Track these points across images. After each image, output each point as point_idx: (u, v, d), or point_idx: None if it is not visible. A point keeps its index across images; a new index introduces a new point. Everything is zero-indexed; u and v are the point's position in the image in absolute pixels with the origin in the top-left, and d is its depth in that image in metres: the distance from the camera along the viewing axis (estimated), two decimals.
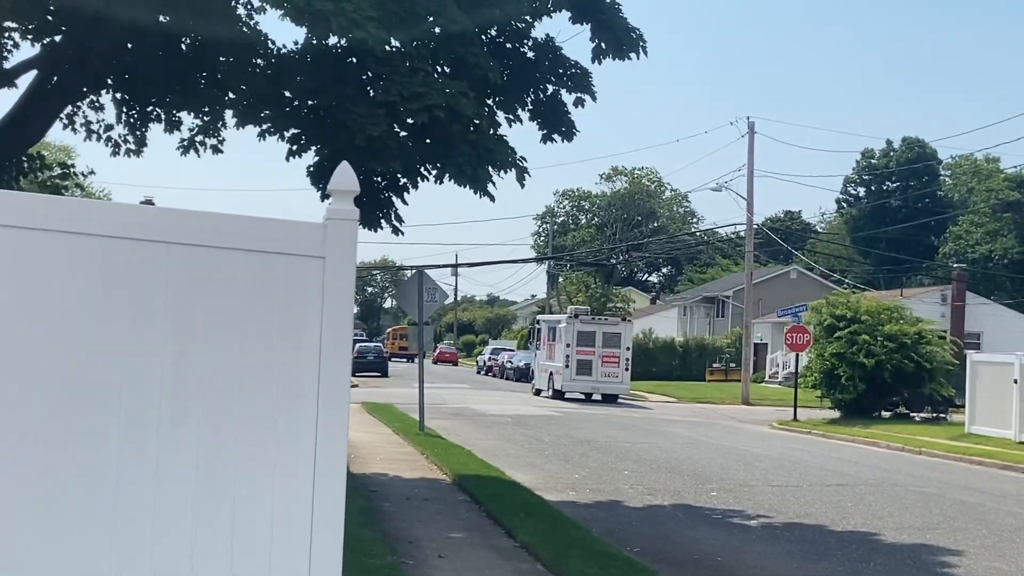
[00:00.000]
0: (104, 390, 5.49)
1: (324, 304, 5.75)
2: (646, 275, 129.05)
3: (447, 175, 14.49)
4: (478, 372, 78.96)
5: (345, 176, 5.92)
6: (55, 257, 5.45)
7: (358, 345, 67.33)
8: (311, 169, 15.53)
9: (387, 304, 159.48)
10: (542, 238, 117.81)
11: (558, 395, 46.73)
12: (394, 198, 15.62)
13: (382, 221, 15.71)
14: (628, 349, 47.16)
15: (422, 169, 14.91)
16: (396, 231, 15.90)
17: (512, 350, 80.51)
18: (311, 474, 5.68)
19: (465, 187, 14.20)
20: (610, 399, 46.58)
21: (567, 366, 46.05)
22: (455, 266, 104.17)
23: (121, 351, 5.52)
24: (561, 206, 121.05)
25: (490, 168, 14.13)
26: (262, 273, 5.75)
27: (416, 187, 15.46)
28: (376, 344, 78.09)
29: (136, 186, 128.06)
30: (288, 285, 5.75)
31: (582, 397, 46.72)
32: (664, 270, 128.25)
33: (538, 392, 49.80)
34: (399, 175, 15.06)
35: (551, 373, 47.88)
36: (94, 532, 5.42)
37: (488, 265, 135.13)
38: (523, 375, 65.34)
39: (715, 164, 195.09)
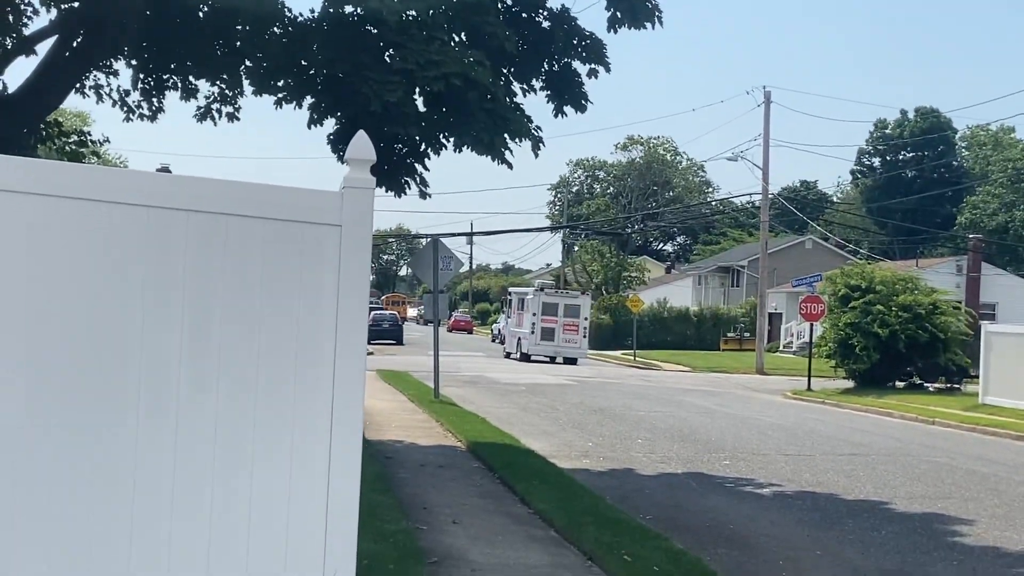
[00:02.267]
0: (123, 357, 5.54)
1: (341, 272, 5.80)
2: (661, 244, 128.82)
3: (465, 143, 14.49)
4: (493, 340, 78.99)
5: (362, 145, 5.96)
6: (73, 225, 5.50)
7: (373, 313, 67.36)
8: (331, 137, 15.54)
9: (403, 272, 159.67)
10: (557, 207, 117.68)
11: (525, 358, 52.75)
12: (417, 164, 15.62)
13: (408, 185, 15.72)
14: (586, 319, 53.98)
15: (441, 136, 14.90)
16: (423, 195, 15.94)
17: None
18: (328, 439, 5.74)
19: (483, 155, 14.21)
20: (571, 361, 52.22)
21: (533, 332, 52.82)
22: (470, 234, 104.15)
23: (140, 319, 5.57)
24: (576, 175, 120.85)
25: (506, 136, 14.14)
26: (280, 241, 5.80)
27: (438, 153, 15.43)
28: (392, 312, 78.16)
29: (152, 153, 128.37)
30: (305, 253, 5.80)
31: (547, 360, 52.46)
32: (679, 240, 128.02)
33: (508, 355, 55.47)
34: (420, 141, 15.05)
35: (519, 338, 54.52)
36: (114, 497, 5.49)
37: (503, 234, 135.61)
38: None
39: (731, 134, 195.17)
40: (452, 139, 14.78)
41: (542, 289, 55.58)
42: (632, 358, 57.43)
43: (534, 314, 52.94)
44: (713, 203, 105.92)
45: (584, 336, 53.73)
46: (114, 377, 5.52)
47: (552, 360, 52.26)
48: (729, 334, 69.81)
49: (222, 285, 5.71)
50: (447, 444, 18.24)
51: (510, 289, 65.95)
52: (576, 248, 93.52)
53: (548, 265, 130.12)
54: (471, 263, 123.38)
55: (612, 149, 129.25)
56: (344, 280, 5.81)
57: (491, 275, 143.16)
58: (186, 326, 5.63)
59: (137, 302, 5.59)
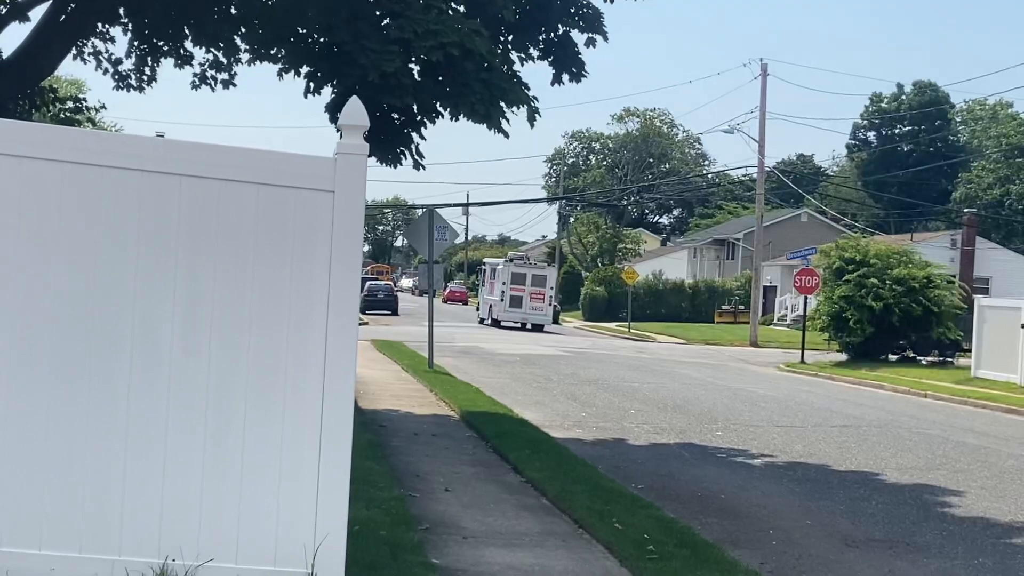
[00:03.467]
0: (115, 320, 5.55)
1: (333, 237, 5.83)
2: (657, 217, 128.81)
3: (461, 113, 14.44)
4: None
5: (355, 111, 5.96)
6: (66, 187, 5.49)
7: (368, 283, 67.30)
8: (329, 106, 15.49)
9: (398, 243, 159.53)
10: (553, 179, 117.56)
11: (495, 323, 57.51)
12: (413, 134, 15.56)
13: (403, 156, 15.67)
14: (552, 288, 58.43)
15: (437, 106, 14.85)
16: (417, 165, 15.84)
17: None
18: (319, 405, 5.76)
19: (479, 124, 14.18)
20: (537, 327, 56.35)
21: (502, 300, 56.92)
22: (466, 205, 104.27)
23: (133, 282, 5.58)
24: (572, 147, 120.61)
25: (503, 105, 14.09)
26: (273, 206, 5.83)
27: (433, 123, 15.40)
28: (386, 282, 78.09)
29: (147, 121, 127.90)
30: (298, 218, 5.83)
31: (517, 326, 56.58)
32: (675, 212, 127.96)
33: (481, 321, 60.28)
34: (416, 111, 14.98)
35: (491, 305, 58.90)
36: (107, 456, 5.51)
37: (499, 205, 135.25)
38: None
39: (728, 106, 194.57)
40: (448, 108, 14.72)
41: (512, 260, 59.48)
42: (627, 330, 57.48)
43: (504, 283, 56.94)
44: (709, 176, 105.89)
45: (550, 304, 57.90)
46: (105, 341, 5.52)
47: (523, 327, 56.37)
48: (724, 307, 69.88)
49: (215, 249, 5.73)
50: (441, 413, 18.28)
51: (484, 260, 69.68)
52: (572, 220, 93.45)
53: (544, 237, 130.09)
54: (467, 234, 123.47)
55: (608, 120, 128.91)
56: (337, 246, 5.84)
57: (487, 246, 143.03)
58: (179, 291, 5.64)
59: (129, 266, 5.58)
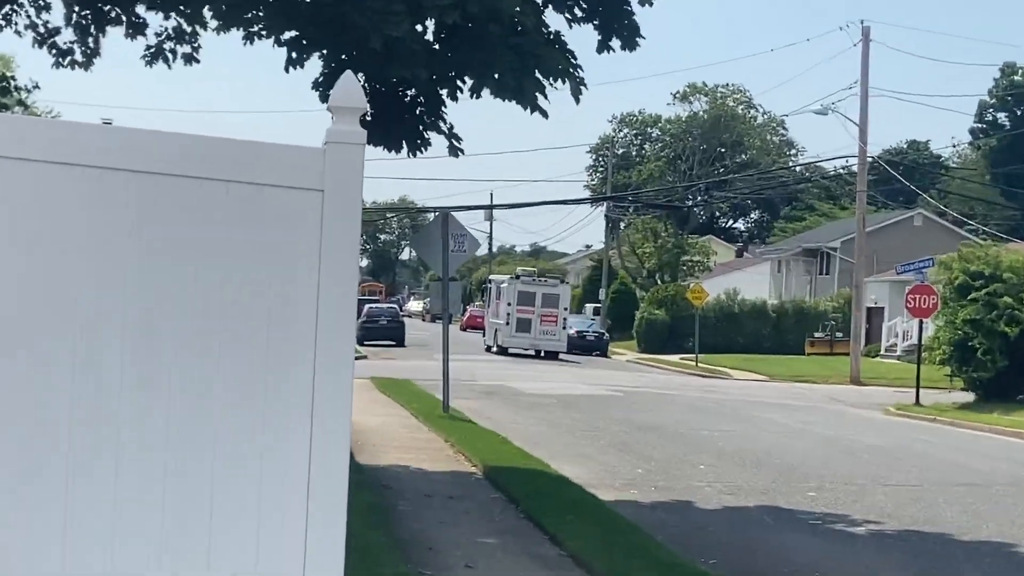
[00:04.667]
0: (52, 349, 5.54)
1: (322, 249, 5.79)
2: (730, 221, 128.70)
3: (485, 87, 14.42)
4: None
5: (348, 89, 5.93)
6: None
7: (367, 307, 67.44)
8: (319, 80, 15.48)
9: (404, 255, 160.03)
10: (599, 174, 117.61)
11: (502, 351, 59.84)
12: (435, 111, 15.50)
13: (425, 141, 15.60)
14: (566, 309, 61.60)
15: (457, 80, 14.83)
16: (455, 150, 15.75)
17: None
18: (306, 454, 5.72)
19: (508, 101, 14.15)
20: (551, 356, 59.45)
21: (508, 323, 59.32)
22: (490, 207, 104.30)
23: (74, 304, 5.57)
24: (621, 134, 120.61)
25: (539, 76, 14.07)
26: (244, 211, 5.78)
27: (455, 99, 15.37)
28: (390, 306, 78.26)
29: (91, 106, 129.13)
30: (277, 225, 5.80)
31: (531, 353, 59.83)
32: (753, 215, 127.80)
33: (488, 349, 62.65)
34: (433, 83, 14.94)
35: (496, 330, 61.58)
36: (42, 531, 5.50)
37: (531, 207, 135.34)
38: (576, 346, 66.46)
39: (819, 81, 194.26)
40: (470, 83, 14.67)
41: (518, 277, 62.64)
42: (693, 364, 57.52)
43: (509, 303, 59.10)
44: (797, 168, 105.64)
45: (564, 328, 61.12)
46: (37, 376, 5.52)
47: (538, 355, 59.49)
48: (816, 334, 69.67)
49: (174, 266, 5.69)
50: (459, 469, 18.29)
51: (491, 277, 72.55)
52: (623, 226, 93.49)
53: (587, 247, 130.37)
54: (490, 244, 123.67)
55: (669, 100, 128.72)
56: (327, 260, 5.79)
57: (516, 259, 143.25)
58: (129, 320, 5.62)
59: (70, 284, 5.59)
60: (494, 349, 61.30)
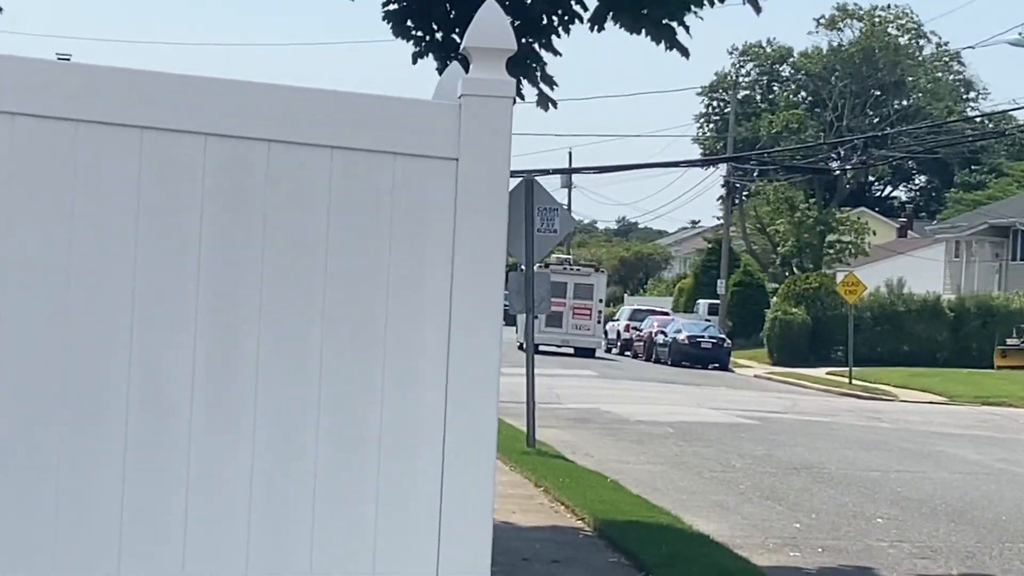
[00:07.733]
0: (101, 377, 5.54)
1: (456, 236, 5.82)
2: (890, 189, 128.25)
3: (611, 11, 14.40)
4: (608, 349, 79.39)
5: (491, 23, 5.90)
6: None
7: None
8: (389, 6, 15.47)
9: None
10: (711, 126, 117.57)
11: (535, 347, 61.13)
12: (537, 50, 15.57)
13: (522, 85, 15.71)
14: (601, 301, 70.12)
15: (572, 3, 14.87)
16: (545, 101, 15.89)
17: (666, 313, 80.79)
18: (435, 524, 5.75)
19: (640, 34, 14.16)
20: (585, 353, 68.33)
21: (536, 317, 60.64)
22: (569, 171, 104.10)
23: (128, 318, 5.57)
24: (744, 72, 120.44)
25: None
26: (349, 186, 5.83)
27: (568, 31, 15.43)
28: None
29: (56, 38, 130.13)
30: (398, 203, 5.81)
31: (555, 349, 67.31)
32: (920, 180, 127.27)
33: (521, 346, 64.80)
34: (540, 8, 15.01)
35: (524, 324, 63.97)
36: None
37: (621, 171, 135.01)
38: (690, 356, 67.54)
39: (1011, 2, 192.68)
40: (593, 8, 14.69)
41: (547, 266, 66.69)
42: (845, 380, 57.22)
43: None
44: (979, 119, 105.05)
45: (598, 322, 70.32)
46: (78, 416, 5.56)
47: (574, 351, 67.87)
48: (1009, 341, 69.19)
49: (255, 264, 5.76)
50: (561, 524, 18.27)
51: (519, 266, 76.49)
52: (747, 196, 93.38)
53: (696, 223, 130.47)
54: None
55: (810, 28, 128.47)
56: (462, 249, 5.82)
57: (598, 239, 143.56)
58: (201, 336, 5.61)
59: (124, 292, 5.61)
60: (526, 346, 63.09)
